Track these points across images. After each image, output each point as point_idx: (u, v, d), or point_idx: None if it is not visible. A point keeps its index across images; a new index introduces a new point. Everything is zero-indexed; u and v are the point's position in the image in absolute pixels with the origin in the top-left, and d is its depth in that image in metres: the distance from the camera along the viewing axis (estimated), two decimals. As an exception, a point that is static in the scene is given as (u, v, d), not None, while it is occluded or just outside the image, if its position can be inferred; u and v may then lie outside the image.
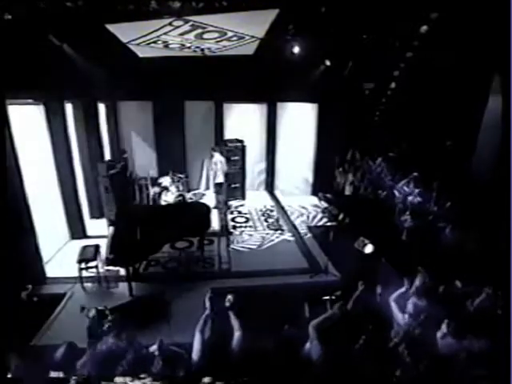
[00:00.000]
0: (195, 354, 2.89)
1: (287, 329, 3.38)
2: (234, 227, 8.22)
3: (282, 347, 3.02)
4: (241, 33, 5.79)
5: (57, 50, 5.99)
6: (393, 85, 8.25)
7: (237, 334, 3.12)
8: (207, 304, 3.31)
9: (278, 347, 3.02)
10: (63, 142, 6.77)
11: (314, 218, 8.84)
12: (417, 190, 7.19)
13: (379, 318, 3.63)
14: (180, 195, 8.79)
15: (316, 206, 9.56)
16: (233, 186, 9.70)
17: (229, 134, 9.88)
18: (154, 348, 3.11)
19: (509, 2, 3.29)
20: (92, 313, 3.93)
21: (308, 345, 3.06)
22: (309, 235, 7.79)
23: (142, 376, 2.66)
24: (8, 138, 5.08)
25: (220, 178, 8.88)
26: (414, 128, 8.04)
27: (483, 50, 6.00)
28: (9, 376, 2.90)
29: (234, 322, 3.21)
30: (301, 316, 3.98)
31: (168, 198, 8.62)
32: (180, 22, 5.14)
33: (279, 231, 8.03)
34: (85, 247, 6.01)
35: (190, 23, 5.19)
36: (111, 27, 5.32)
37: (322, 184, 9.89)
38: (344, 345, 3.11)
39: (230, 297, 3.38)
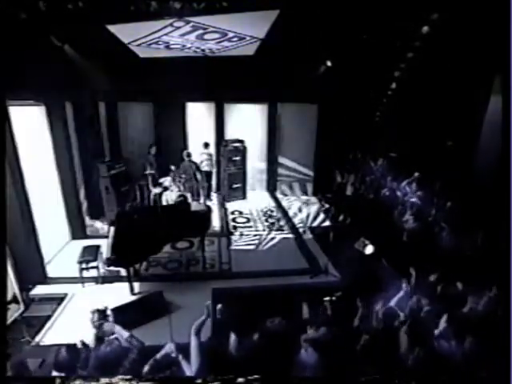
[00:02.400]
0: (193, 357, 2.89)
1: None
2: (235, 227, 8.23)
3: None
4: (241, 33, 5.80)
5: (58, 50, 6.00)
6: (393, 85, 8.25)
7: (232, 337, 3.13)
8: (206, 310, 3.31)
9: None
10: (64, 142, 6.80)
11: (315, 218, 8.85)
12: (418, 191, 7.18)
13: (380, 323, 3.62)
14: (181, 195, 8.79)
15: (317, 206, 9.57)
16: (234, 186, 9.73)
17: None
18: (169, 349, 3.04)
19: (509, 2, 3.29)
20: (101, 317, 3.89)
21: (303, 351, 3.05)
22: (309, 236, 7.79)
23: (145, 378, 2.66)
24: (9, 139, 5.10)
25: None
26: (414, 128, 8.04)
27: (484, 50, 5.99)
28: (9, 376, 2.90)
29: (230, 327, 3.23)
30: (300, 317, 3.98)
31: (169, 198, 8.62)
32: (181, 23, 5.16)
33: (280, 231, 8.04)
34: (86, 247, 6.03)
35: (191, 24, 5.20)
36: (112, 28, 5.33)
37: (322, 184, 9.90)
38: (341, 351, 3.11)
39: (220, 307, 3.36)
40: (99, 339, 3.42)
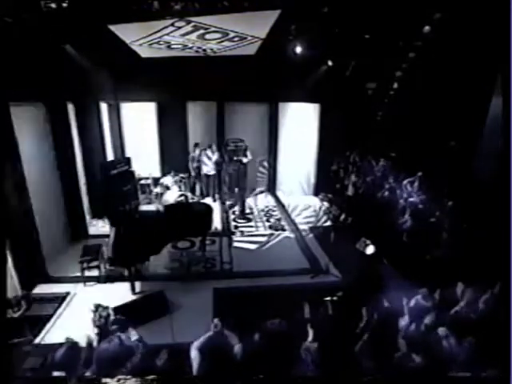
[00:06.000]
0: (195, 366, 2.88)
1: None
2: (236, 227, 8.23)
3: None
4: (243, 33, 5.80)
5: (59, 50, 6.01)
6: (395, 85, 8.24)
7: (236, 346, 3.10)
8: (212, 327, 3.29)
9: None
10: (65, 142, 6.81)
11: (316, 218, 8.84)
12: (419, 190, 7.17)
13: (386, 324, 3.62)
14: (182, 195, 8.80)
15: (318, 206, 9.56)
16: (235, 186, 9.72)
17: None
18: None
19: (509, 2, 3.28)
20: (105, 313, 3.94)
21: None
22: (310, 236, 7.79)
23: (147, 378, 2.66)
24: (10, 139, 5.12)
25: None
26: (416, 128, 8.03)
27: (486, 49, 5.98)
28: (11, 375, 2.91)
29: (232, 338, 3.21)
30: (301, 317, 3.99)
31: (170, 197, 8.63)
32: (182, 23, 5.17)
33: (281, 231, 8.04)
34: (87, 247, 6.04)
35: (192, 24, 5.21)
36: (114, 28, 5.34)
37: (323, 184, 9.90)
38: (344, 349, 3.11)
39: (216, 322, 3.35)
40: (102, 337, 3.43)
